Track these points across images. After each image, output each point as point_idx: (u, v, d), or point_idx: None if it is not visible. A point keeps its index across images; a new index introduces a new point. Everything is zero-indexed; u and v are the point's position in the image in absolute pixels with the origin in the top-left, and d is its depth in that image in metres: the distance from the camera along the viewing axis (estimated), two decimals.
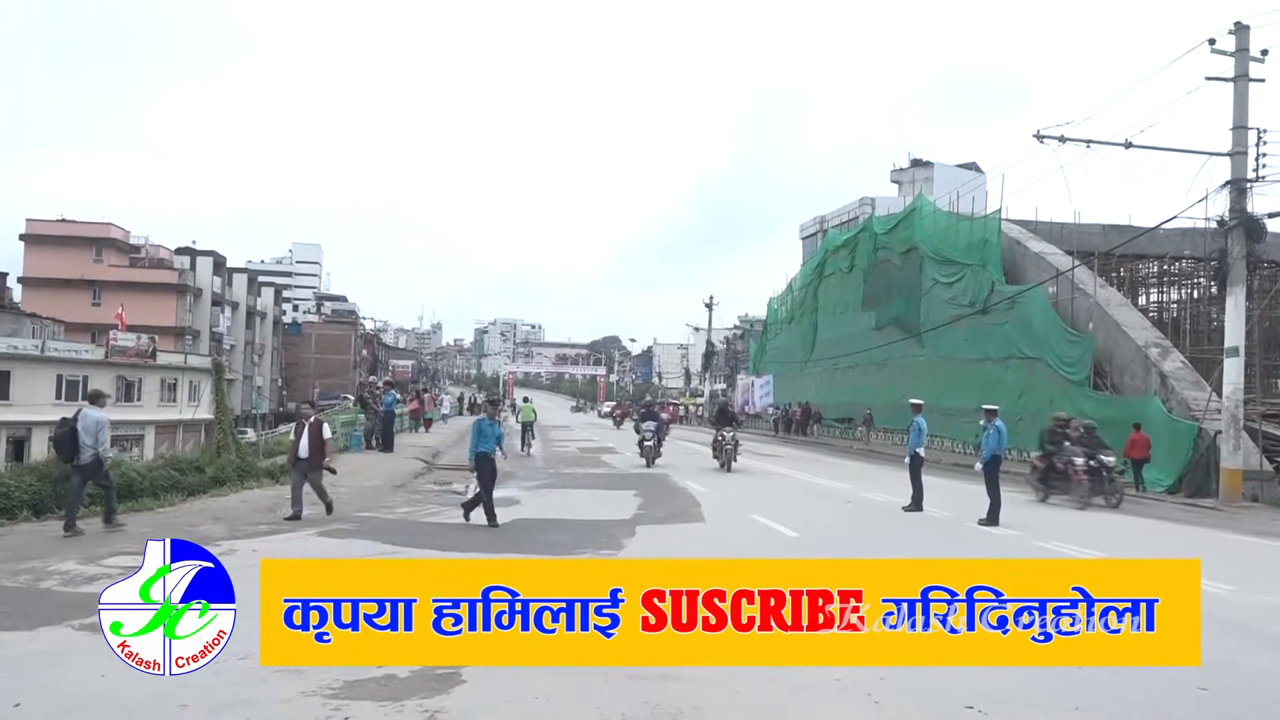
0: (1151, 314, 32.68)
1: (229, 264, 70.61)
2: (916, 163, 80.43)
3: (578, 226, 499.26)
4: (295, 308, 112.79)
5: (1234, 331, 19.87)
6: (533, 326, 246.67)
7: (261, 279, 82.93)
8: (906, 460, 16.55)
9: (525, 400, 37.45)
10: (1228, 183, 19.91)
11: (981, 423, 15.65)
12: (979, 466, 15.46)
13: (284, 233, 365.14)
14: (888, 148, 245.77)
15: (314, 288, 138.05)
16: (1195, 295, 34.22)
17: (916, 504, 15.94)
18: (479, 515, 13.19)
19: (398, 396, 32.77)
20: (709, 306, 72.38)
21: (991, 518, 14.39)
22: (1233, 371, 19.63)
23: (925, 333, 34.95)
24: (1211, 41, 19.96)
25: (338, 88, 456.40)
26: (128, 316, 52.49)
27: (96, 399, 12.19)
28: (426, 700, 5.50)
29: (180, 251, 66.26)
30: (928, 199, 39.21)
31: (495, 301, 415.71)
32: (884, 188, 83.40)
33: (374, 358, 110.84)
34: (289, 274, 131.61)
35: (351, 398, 35.86)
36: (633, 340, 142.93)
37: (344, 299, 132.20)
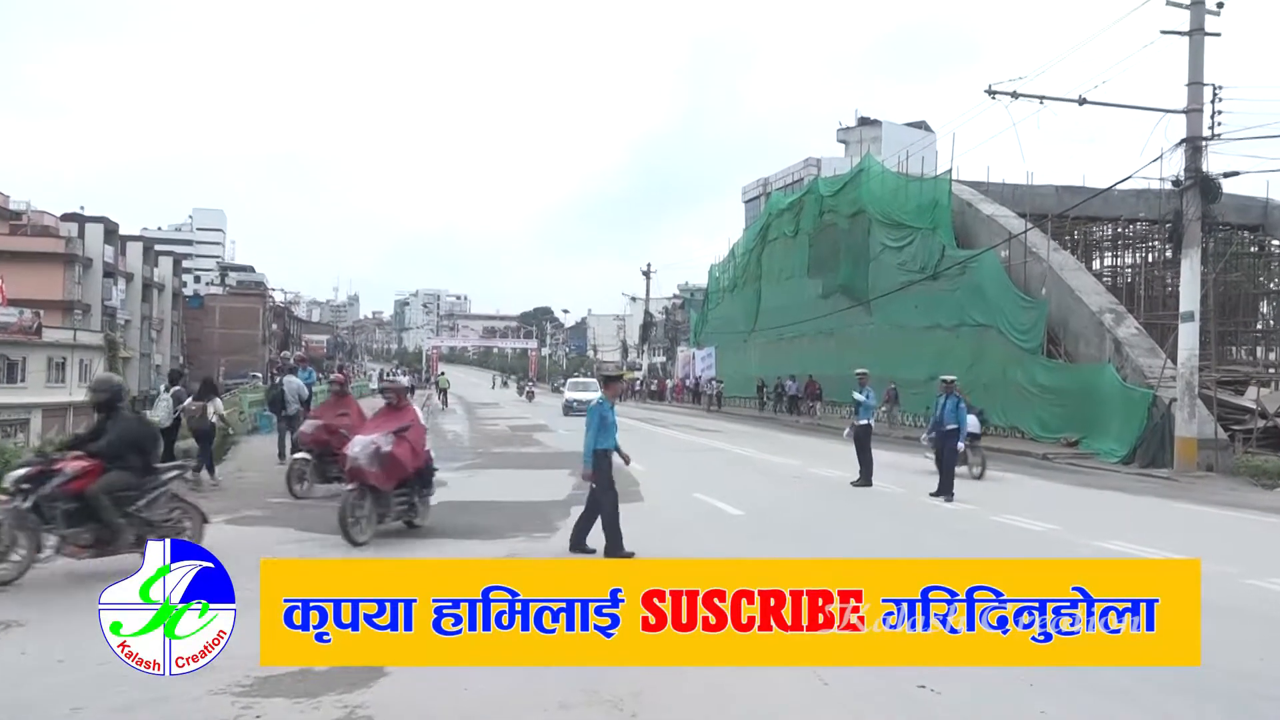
0: (1106, 279, 33.49)
1: (122, 231, 68.47)
2: (864, 121, 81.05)
3: (506, 190, 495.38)
4: (197, 279, 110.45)
5: (1189, 296, 20.43)
6: (458, 298, 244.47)
7: (159, 248, 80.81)
8: (847, 432, 16.79)
9: (442, 373, 60.41)
10: (1183, 141, 20.40)
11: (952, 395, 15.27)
12: (962, 446, 15.16)
13: (183, 197, 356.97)
14: (834, 106, 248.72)
15: (217, 257, 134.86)
16: (1150, 259, 35.19)
17: (866, 479, 16.19)
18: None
19: (316, 375, 32.47)
20: (647, 274, 72.38)
21: (945, 490, 14.63)
22: (1187, 337, 20.20)
23: (873, 300, 35.33)
24: None
25: (242, 35, 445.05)
26: (8, 289, 50.74)
27: (293, 370, 20.16)
28: (345, 695, 5.44)
29: (67, 218, 64.10)
30: (875, 159, 39.50)
31: (417, 271, 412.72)
32: (830, 148, 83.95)
33: (285, 332, 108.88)
34: (189, 242, 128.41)
35: (260, 375, 35.34)
36: (566, 311, 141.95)
37: (251, 269, 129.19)
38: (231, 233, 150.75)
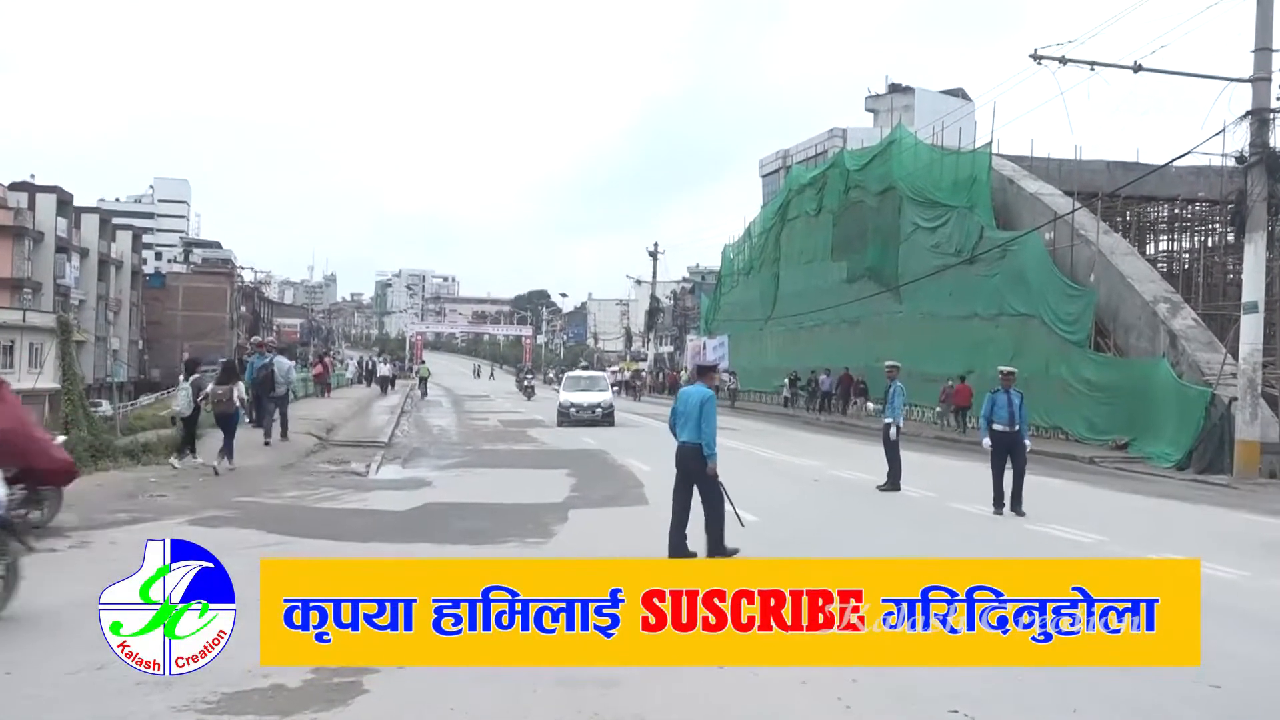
0: (1161, 264, 33.42)
1: (77, 202, 68.61)
2: (895, 88, 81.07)
3: (498, 163, 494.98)
4: (159, 255, 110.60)
5: (1253, 284, 20.34)
6: (445, 279, 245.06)
7: (117, 221, 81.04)
8: (882, 431, 16.78)
9: (423, 362, 65.59)
10: (1249, 113, 20.28)
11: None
12: (1028, 443, 14.89)
13: (144, 166, 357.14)
14: (862, 70, 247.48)
15: (181, 231, 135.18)
16: (1210, 243, 35.04)
17: (893, 482, 16.20)
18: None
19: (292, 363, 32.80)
20: (653, 256, 72.46)
21: (1015, 503, 14.21)
22: (1250, 330, 20.12)
23: (904, 286, 35.30)
24: None
25: None
26: None
27: (284, 351, 24.72)
28: (320, 713, 5.46)
29: (16, 187, 64.19)
30: (908, 130, 39.44)
31: (401, 250, 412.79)
32: (858, 117, 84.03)
33: (255, 315, 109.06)
34: (150, 215, 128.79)
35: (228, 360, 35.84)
36: (564, 295, 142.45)
37: (218, 245, 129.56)
38: (196, 205, 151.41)
